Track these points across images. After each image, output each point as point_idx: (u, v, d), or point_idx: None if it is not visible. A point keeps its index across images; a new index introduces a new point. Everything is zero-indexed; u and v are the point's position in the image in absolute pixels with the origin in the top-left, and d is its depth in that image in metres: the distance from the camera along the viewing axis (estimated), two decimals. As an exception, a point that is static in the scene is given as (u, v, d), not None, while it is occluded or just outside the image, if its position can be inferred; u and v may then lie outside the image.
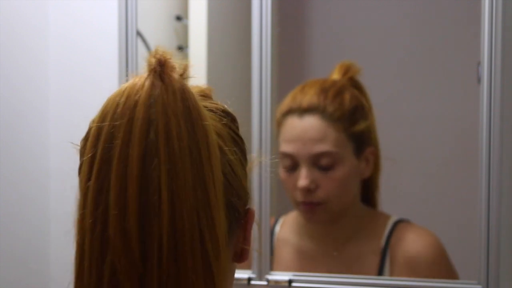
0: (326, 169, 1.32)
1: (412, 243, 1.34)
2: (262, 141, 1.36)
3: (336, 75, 1.39)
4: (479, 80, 1.26)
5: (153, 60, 0.59)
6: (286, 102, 1.37)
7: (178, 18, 1.57)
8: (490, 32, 1.24)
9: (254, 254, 1.37)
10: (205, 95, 0.68)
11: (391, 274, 1.33)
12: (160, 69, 0.58)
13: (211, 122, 0.61)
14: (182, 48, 1.57)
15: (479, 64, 1.26)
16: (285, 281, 1.37)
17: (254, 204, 1.36)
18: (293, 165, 1.34)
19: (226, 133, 0.65)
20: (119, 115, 0.58)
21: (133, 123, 0.57)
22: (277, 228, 1.44)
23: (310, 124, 1.33)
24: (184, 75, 0.62)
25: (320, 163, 1.32)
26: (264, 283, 1.38)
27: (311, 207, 1.34)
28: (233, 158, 0.64)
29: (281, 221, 1.45)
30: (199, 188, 0.58)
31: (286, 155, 1.34)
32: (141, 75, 0.60)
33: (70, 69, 1.52)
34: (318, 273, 1.37)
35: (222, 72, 1.60)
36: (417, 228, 1.36)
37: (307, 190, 1.32)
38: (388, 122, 1.47)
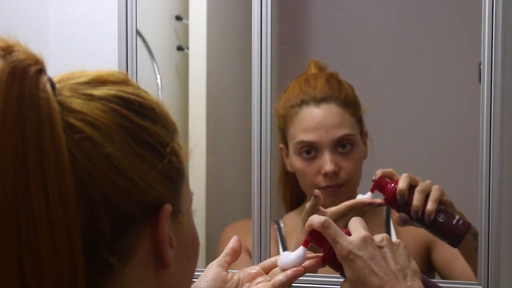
0: (345, 152, 1.40)
1: None
2: (262, 141, 1.35)
3: (313, 70, 1.45)
4: (480, 79, 1.26)
5: None
6: (293, 95, 1.42)
7: (178, 18, 1.57)
8: (491, 32, 1.24)
9: (254, 254, 1.37)
10: (100, 82, 0.63)
11: (400, 239, 1.37)
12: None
13: (79, 114, 0.57)
14: (182, 48, 1.57)
15: (480, 63, 1.26)
16: (285, 281, 1.36)
17: (254, 206, 1.36)
18: (312, 153, 1.40)
19: (113, 121, 0.58)
20: None
21: None
22: (281, 225, 1.47)
23: (328, 111, 1.41)
24: (31, 66, 0.57)
25: (341, 146, 1.40)
26: (264, 283, 1.38)
27: (335, 189, 1.40)
28: (114, 150, 0.56)
29: (281, 221, 1.47)
30: (21, 196, 0.51)
31: (306, 144, 1.40)
32: None
33: (70, 69, 1.51)
34: (318, 273, 1.37)
35: (222, 72, 1.60)
36: None
37: (333, 174, 1.39)
38: (388, 122, 1.47)
